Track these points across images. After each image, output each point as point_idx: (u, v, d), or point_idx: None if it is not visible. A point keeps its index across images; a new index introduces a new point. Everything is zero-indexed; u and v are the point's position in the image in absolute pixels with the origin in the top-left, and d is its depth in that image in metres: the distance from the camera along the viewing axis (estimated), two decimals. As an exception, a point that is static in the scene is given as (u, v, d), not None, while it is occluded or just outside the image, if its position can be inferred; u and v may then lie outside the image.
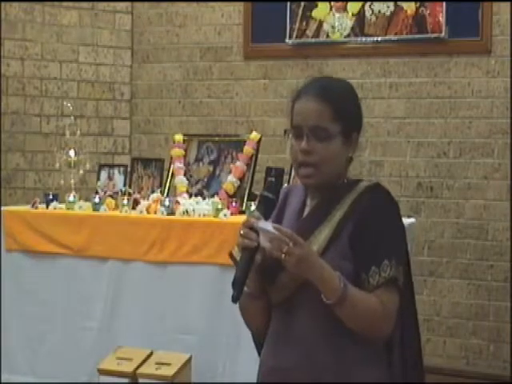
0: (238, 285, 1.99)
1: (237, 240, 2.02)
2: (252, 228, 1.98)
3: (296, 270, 1.94)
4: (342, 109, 2.05)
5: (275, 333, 2.11)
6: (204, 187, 4.57)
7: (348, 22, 5.27)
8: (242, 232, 1.99)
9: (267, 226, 1.96)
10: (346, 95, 2.11)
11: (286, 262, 1.92)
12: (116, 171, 4.81)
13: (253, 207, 3.95)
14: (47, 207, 4.53)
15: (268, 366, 2.12)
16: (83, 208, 4.45)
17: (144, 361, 4.05)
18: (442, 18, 5.03)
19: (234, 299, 1.99)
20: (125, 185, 4.67)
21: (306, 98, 2.06)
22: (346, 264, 1.99)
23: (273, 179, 2.11)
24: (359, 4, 5.25)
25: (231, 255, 2.15)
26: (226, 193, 4.38)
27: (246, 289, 2.03)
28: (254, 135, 4.53)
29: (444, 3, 5.01)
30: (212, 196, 4.37)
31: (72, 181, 4.68)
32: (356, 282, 1.99)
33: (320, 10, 5.34)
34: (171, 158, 4.69)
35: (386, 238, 2.00)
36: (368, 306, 1.97)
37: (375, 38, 5.23)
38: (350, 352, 2.01)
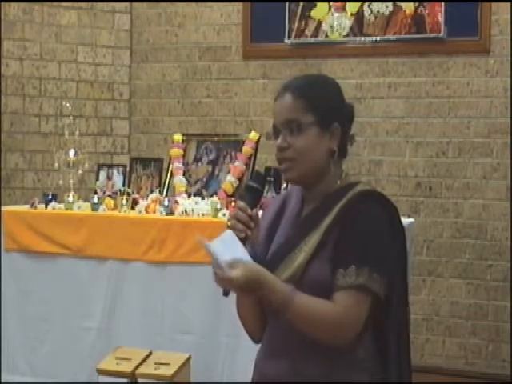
0: None
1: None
2: (239, 219, 1.97)
3: (239, 292, 1.96)
4: (313, 99, 2.03)
5: (267, 338, 2.09)
6: (203, 187, 4.57)
7: (347, 22, 5.28)
8: (229, 224, 1.98)
9: (221, 252, 1.89)
10: (319, 86, 2.08)
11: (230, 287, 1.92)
12: (115, 171, 4.81)
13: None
14: (46, 207, 4.53)
15: (260, 371, 2.11)
16: (82, 208, 4.45)
17: (143, 361, 4.05)
18: (440, 18, 5.03)
19: (226, 292, 1.97)
20: (124, 185, 4.67)
21: (280, 97, 2.07)
22: (330, 269, 1.96)
23: (260, 170, 2.07)
24: (358, 4, 5.25)
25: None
26: (225, 193, 4.38)
27: None
28: (253, 135, 4.53)
29: (443, 3, 5.02)
30: (211, 196, 4.38)
31: (71, 181, 4.68)
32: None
33: (319, 10, 5.34)
34: (170, 157, 4.69)
35: (362, 245, 1.95)
36: (317, 311, 1.93)
37: (374, 38, 5.23)
38: (338, 358, 1.98)
